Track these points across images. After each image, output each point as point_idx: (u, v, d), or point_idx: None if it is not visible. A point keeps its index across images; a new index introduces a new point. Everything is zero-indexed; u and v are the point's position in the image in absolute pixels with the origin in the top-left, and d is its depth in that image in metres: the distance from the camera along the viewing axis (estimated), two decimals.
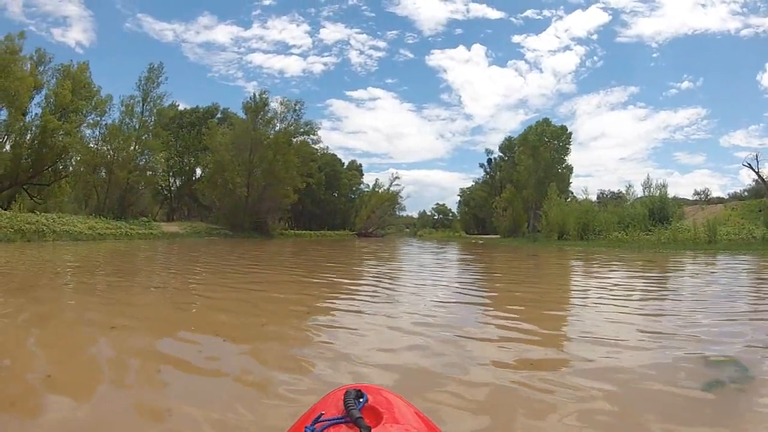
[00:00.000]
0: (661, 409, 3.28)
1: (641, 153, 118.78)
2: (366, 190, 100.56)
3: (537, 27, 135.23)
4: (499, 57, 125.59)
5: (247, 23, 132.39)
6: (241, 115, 61.49)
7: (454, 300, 8.91)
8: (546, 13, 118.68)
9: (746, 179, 78.44)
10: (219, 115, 70.12)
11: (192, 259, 19.43)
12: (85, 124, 45.97)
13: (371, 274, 14.48)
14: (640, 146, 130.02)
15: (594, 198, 56.72)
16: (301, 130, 61.78)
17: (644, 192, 45.34)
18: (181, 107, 67.60)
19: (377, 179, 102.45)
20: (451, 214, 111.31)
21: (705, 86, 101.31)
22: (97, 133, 47.37)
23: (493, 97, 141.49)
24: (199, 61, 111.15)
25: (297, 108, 61.28)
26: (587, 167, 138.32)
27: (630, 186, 51.33)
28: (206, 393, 3.64)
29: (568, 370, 4.18)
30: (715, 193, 74.88)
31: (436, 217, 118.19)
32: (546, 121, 63.39)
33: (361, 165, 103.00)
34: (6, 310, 6.62)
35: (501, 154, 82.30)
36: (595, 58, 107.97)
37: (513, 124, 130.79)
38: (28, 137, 42.84)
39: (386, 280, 12.39)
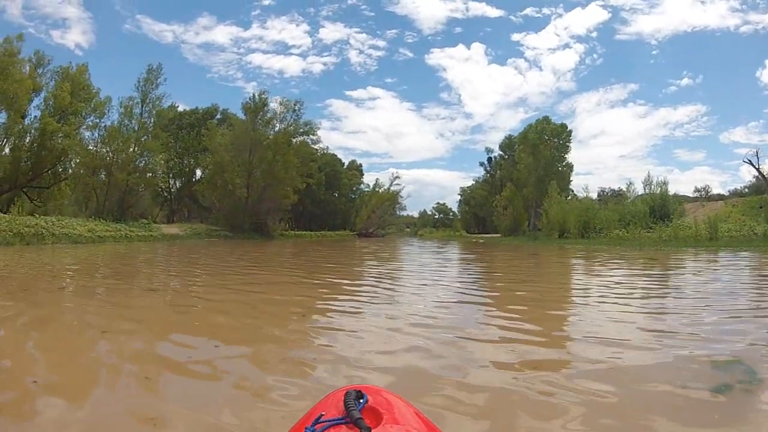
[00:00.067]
0: (667, 411, 3.21)
1: (641, 150, 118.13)
2: (366, 190, 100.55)
3: (536, 25, 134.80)
4: (499, 55, 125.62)
5: (246, 23, 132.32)
6: (241, 115, 61.49)
7: (454, 300, 8.83)
8: (545, 11, 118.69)
9: (746, 176, 78.85)
10: (218, 116, 70.12)
11: (191, 261, 19.38)
12: (84, 126, 46.16)
13: (371, 275, 14.43)
14: (640, 144, 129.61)
15: (594, 196, 56.72)
16: (301, 130, 61.73)
17: (645, 189, 45.35)
18: (180, 108, 67.91)
19: (377, 179, 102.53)
20: (451, 214, 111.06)
21: (705, 83, 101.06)
22: (96, 135, 47.55)
23: (492, 96, 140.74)
24: (199, 62, 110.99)
25: (296, 108, 61.27)
26: (587, 165, 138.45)
27: (630, 183, 51.32)
28: (201, 397, 3.59)
29: (570, 371, 4.10)
30: (716, 190, 74.57)
31: (436, 217, 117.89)
32: (546, 119, 63.43)
33: (361, 165, 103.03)
34: (2, 314, 6.54)
35: (501, 152, 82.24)
36: (595, 55, 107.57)
37: (513, 122, 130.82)
38: (27, 140, 42.91)
39: (386, 281, 12.34)
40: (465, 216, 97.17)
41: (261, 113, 59.19)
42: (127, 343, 5.13)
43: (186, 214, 70.60)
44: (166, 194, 71.03)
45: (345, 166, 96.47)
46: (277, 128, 60.51)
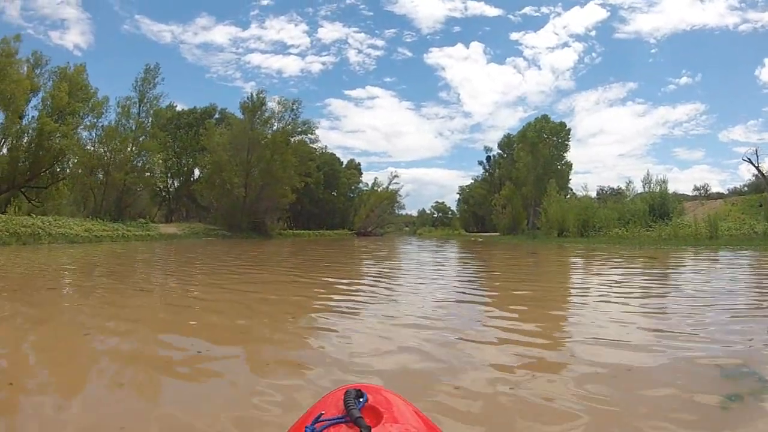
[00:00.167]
0: (673, 420, 3.08)
1: (640, 149, 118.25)
2: (365, 189, 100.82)
3: (535, 24, 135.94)
4: (498, 54, 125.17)
5: (245, 23, 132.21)
6: (239, 115, 61.43)
7: (452, 300, 8.74)
8: (544, 9, 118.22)
9: (746, 174, 78.73)
10: (217, 116, 70.12)
11: (188, 260, 19.32)
12: (81, 126, 46.23)
13: (369, 274, 14.34)
14: (639, 142, 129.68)
15: (593, 195, 56.57)
16: (299, 129, 61.78)
17: (644, 188, 45.20)
18: (179, 108, 67.91)
19: (376, 178, 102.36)
20: (450, 212, 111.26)
21: (704, 82, 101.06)
22: (94, 135, 47.64)
23: (491, 95, 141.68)
24: (197, 62, 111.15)
25: (294, 107, 61.33)
26: (586, 164, 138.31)
27: (630, 182, 51.05)
28: (192, 398, 3.53)
29: (571, 374, 3.97)
30: (715, 189, 74.58)
31: (435, 216, 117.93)
32: (545, 117, 63.31)
33: (359, 164, 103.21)
34: None
35: (500, 151, 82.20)
36: (594, 54, 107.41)
37: (512, 121, 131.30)
38: (24, 140, 42.95)
39: (384, 280, 12.21)
40: (464, 215, 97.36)
41: (259, 112, 59.23)
42: (114, 344, 5.08)
43: (184, 214, 70.62)
44: (164, 194, 71.08)
45: (344, 165, 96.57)
46: (275, 127, 60.62)
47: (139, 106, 49.57)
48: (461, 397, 3.46)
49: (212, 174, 57.65)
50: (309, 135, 63.46)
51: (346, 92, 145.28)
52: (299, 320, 6.66)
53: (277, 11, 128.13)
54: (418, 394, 3.44)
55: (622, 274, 13.46)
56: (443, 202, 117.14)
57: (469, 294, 9.68)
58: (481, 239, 56.76)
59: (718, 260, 18.02)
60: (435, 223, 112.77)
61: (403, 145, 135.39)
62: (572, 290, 10.86)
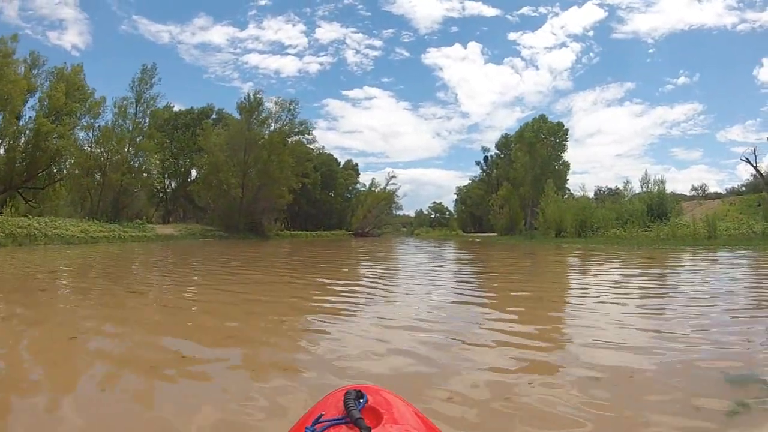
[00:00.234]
0: (675, 423, 2.98)
1: (638, 149, 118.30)
2: (362, 189, 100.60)
3: (533, 24, 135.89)
4: (495, 54, 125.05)
5: (242, 24, 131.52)
6: (237, 115, 61.30)
7: (449, 301, 8.68)
8: (542, 9, 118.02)
9: (744, 174, 78.63)
10: (214, 116, 70.03)
11: (183, 262, 19.25)
12: (78, 127, 46.02)
13: (365, 275, 14.28)
14: (637, 142, 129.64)
15: (591, 195, 56.51)
16: (296, 129, 61.59)
17: (642, 188, 45.16)
18: (177, 109, 67.87)
19: (373, 178, 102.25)
20: (447, 213, 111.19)
21: (701, 82, 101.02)
22: (91, 135, 47.48)
23: (489, 95, 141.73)
24: (195, 63, 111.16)
25: (292, 108, 61.13)
26: (584, 164, 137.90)
27: (628, 182, 51.00)
28: (179, 402, 3.45)
29: (570, 378, 3.86)
30: (713, 189, 74.64)
31: (432, 216, 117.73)
32: (542, 117, 63.18)
33: (357, 164, 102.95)
34: None
35: (497, 151, 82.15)
36: (591, 54, 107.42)
37: (509, 121, 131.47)
38: (21, 141, 42.83)
39: (380, 281, 12.13)
40: (461, 215, 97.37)
41: (256, 113, 59.13)
42: (103, 346, 5.04)
43: (181, 215, 70.63)
44: (161, 194, 70.93)
45: (341, 166, 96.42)
46: (272, 128, 60.49)
47: (136, 106, 49.32)
48: (456, 402, 3.37)
49: (209, 175, 57.49)
50: (306, 135, 63.48)
51: (344, 92, 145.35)
52: (293, 322, 6.57)
53: (275, 11, 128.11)
54: (411, 400, 3.29)
55: (620, 275, 13.39)
56: (441, 203, 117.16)
57: (465, 295, 9.58)
58: (478, 240, 56.75)
59: (717, 260, 17.95)
60: (432, 223, 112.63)
61: (401, 145, 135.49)
62: (570, 291, 10.78)
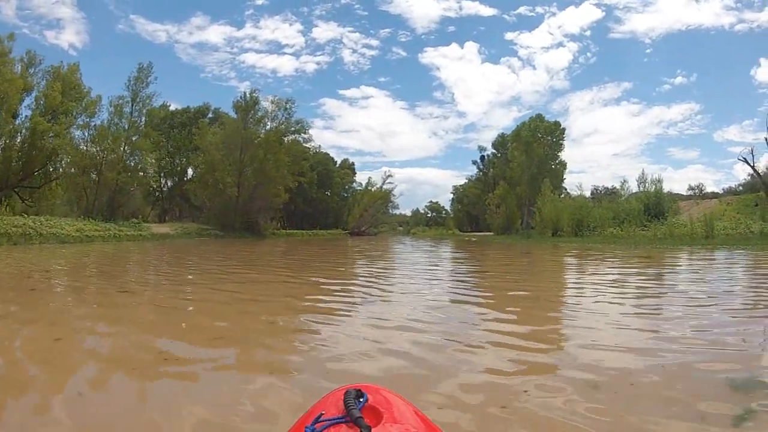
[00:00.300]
0: (679, 427, 2.89)
1: (634, 149, 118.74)
2: (359, 188, 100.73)
3: (530, 24, 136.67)
4: (492, 54, 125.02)
5: (239, 23, 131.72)
6: (233, 114, 61.29)
7: (445, 301, 8.59)
8: (539, 9, 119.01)
9: (741, 174, 78.71)
10: (210, 115, 69.97)
11: (177, 261, 19.16)
12: (74, 126, 46.01)
13: (361, 275, 14.20)
14: (634, 142, 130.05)
15: (588, 194, 56.56)
16: (292, 128, 61.67)
17: (639, 187, 45.13)
18: (174, 108, 67.75)
19: (370, 177, 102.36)
20: (444, 212, 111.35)
21: (699, 82, 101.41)
22: (87, 134, 47.48)
23: (486, 95, 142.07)
24: (192, 62, 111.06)
25: (288, 107, 61.18)
26: (580, 163, 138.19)
27: (625, 181, 50.99)
28: (165, 402, 3.42)
29: (568, 381, 3.74)
30: (709, 188, 74.70)
31: (429, 215, 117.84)
32: (539, 116, 63.20)
33: (353, 163, 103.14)
34: None
35: (494, 150, 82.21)
36: (588, 54, 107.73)
37: (506, 121, 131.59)
38: (18, 140, 42.79)
39: (375, 280, 12.03)
40: (458, 214, 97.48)
41: (252, 112, 59.13)
42: (92, 346, 5.00)
43: (177, 214, 70.58)
44: (157, 193, 70.85)
45: (337, 165, 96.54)
46: (268, 127, 60.52)
47: (132, 105, 49.47)
48: (450, 407, 3.28)
49: (205, 173, 57.58)
50: (302, 134, 63.65)
51: (341, 92, 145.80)
52: (286, 322, 6.48)
53: (272, 11, 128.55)
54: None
55: (617, 275, 13.33)
56: (437, 202, 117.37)
57: (461, 295, 9.49)
58: (474, 239, 56.73)
59: (715, 260, 17.90)
60: (429, 222, 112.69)
61: (398, 144, 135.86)
62: (567, 291, 10.69)
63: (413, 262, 19.80)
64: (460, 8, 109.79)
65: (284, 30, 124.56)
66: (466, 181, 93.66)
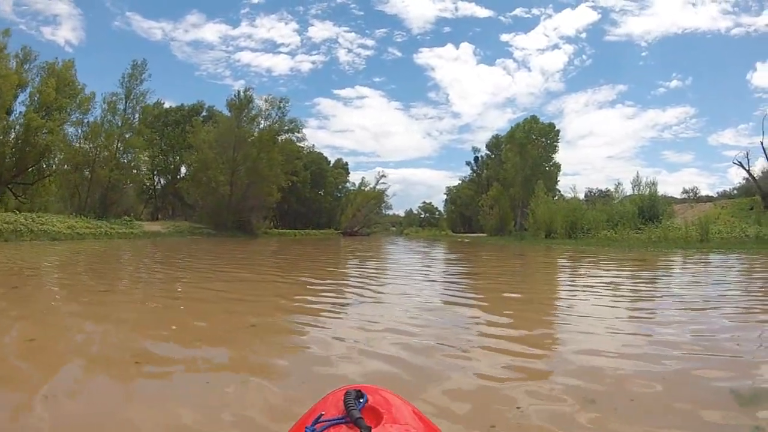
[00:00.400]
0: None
1: (629, 151, 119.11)
2: (352, 188, 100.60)
3: (526, 25, 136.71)
4: (488, 55, 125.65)
5: (235, 21, 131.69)
6: (227, 113, 60.99)
7: (437, 303, 8.51)
8: (535, 11, 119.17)
9: (735, 178, 78.70)
10: (204, 113, 69.74)
11: (167, 258, 19.06)
12: (68, 123, 45.81)
13: (352, 275, 14.08)
14: (628, 145, 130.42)
15: (582, 196, 56.53)
16: (286, 127, 61.35)
17: (633, 190, 45.20)
18: (168, 105, 67.75)
19: (363, 178, 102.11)
20: (437, 213, 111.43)
21: (694, 85, 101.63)
22: (80, 131, 47.43)
23: (481, 96, 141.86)
24: (187, 60, 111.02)
25: (282, 105, 60.84)
26: (575, 165, 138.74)
27: (619, 184, 51.12)
28: (150, 402, 3.36)
29: (563, 389, 3.60)
30: (704, 192, 74.95)
31: (422, 216, 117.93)
32: (534, 118, 63.12)
33: (347, 163, 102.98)
34: None
35: (488, 152, 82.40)
36: (584, 56, 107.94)
37: (501, 122, 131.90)
38: (11, 136, 42.74)
39: (366, 281, 11.90)
40: (451, 215, 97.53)
41: (246, 110, 58.89)
42: (79, 344, 4.98)
43: (170, 212, 70.42)
44: (150, 191, 70.68)
45: (331, 165, 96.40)
46: (262, 125, 60.27)
47: (126, 102, 49.29)
48: (445, 406, 3.22)
49: (198, 172, 57.30)
50: (296, 133, 63.37)
51: (335, 92, 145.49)
52: (274, 323, 6.37)
53: (268, 10, 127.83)
54: None
55: (612, 277, 13.24)
56: (430, 203, 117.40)
57: (453, 297, 9.34)
58: (468, 240, 56.75)
59: (710, 263, 17.86)
60: (422, 223, 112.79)
61: (392, 145, 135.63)
62: (561, 294, 10.61)
63: (405, 263, 19.72)
64: (456, 9, 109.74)
65: (280, 29, 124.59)
66: (460, 182, 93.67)
